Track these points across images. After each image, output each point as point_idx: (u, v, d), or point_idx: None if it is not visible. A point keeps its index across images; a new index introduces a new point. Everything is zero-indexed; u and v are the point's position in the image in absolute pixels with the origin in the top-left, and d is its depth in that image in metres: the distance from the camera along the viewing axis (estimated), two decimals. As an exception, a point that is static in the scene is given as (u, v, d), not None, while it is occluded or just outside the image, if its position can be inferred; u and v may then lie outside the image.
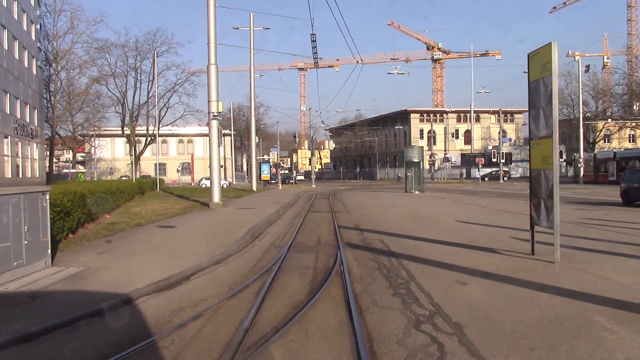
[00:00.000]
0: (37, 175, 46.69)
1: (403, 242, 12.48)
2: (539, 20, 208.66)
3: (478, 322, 5.85)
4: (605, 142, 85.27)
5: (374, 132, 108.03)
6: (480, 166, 72.23)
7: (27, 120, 44.16)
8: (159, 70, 54.19)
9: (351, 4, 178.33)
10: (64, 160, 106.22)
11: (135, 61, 62.81)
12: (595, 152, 63.47)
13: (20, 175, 41.70)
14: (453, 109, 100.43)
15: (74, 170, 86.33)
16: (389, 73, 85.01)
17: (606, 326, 5.58)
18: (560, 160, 73.41)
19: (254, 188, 45.27)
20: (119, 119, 65.21)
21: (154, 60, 56.45)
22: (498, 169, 68.08)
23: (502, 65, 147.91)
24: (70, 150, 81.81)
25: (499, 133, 76.41)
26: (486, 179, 73.85)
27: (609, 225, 14.91)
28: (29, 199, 8.78)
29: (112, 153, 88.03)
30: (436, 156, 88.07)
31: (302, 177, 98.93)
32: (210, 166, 25.27)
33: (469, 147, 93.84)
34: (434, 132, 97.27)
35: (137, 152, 63.80)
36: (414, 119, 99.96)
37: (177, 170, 79.42)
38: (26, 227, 8.61)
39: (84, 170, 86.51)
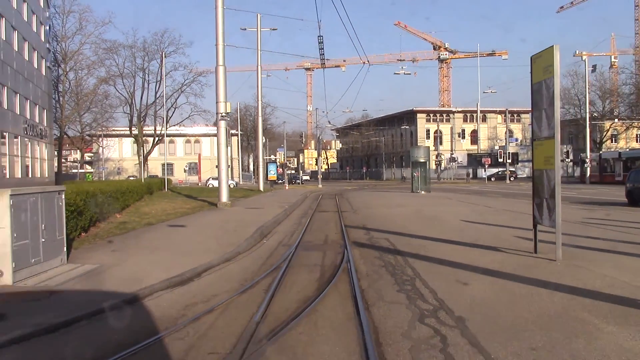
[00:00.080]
0: (46, 175, 47.12)
1: (409, 240, 12.72)
2: (545, 20, 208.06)
3: (480, 316, 6.09)
4: (612, 142, 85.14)
5: (380, 132, 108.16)
6: (486, 166, 72.26)
7: (37, 120, 44.59)
8: (166, 71, 54.60)
9: (357, 4, 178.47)
10: (72, 160, 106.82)
11: (143, 62, 63.35)
12: (600, 152, 63.36)
13: (30, 175, 42.13)
14: (459, 109, 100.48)
15: (82, 170, 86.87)
16: (395, 73, 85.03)
17: (602, 320, 5.82)
18: (567, 160, 73.71)
19: (261, 188, 45.55)
20: (127, 119, 65.72)
21: (161, 61, 56.87)
22: (504, 169, 68.14)
23: (508, 65, 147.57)
24: (78, 151, 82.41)
25: (506, 133, 76.49)
26: (492, 179, 73.87)
27: (612, 225, 15.09)
28: (45, 198, 9.07)
29: (119, 153, 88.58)
30: (442, 156, 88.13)
31: (307, 177, 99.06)
32: (218, 166, 25.56)
33: (475, 147, 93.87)
34: (441, 132, 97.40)
35: (145, 152, 64.20)
36: (421, 118, 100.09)
37: (184, 170, 79.82)
38: (43, 225, 8.91)
39: (92, 170, 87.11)
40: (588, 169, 56.83)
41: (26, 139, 41.27)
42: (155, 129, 64.86)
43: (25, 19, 42.24)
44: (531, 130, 10.55)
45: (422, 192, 38.69)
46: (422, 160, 40.98)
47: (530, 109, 10.56)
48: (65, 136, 59.15)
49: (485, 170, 72.86)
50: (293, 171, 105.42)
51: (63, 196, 9.79)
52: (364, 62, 46.90)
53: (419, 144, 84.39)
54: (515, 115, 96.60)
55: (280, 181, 66.89)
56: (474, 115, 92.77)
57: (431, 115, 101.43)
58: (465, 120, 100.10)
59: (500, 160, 66.77)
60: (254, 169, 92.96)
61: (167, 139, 58.54)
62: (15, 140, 38.71)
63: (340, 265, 9.77)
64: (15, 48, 39.05)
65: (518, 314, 6.19)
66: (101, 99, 61.58)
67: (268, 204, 27.03)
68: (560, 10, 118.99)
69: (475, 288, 7.58)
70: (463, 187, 51.93)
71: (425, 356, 4.88)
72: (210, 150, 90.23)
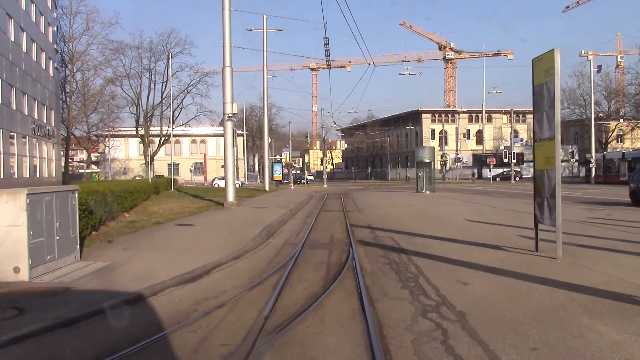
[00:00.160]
0: (54, 175, 47.54)
1: (413, 239, 12.95)
2: (551, 20, 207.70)
3: (480, 311, 6.33)
4: (618, 142, 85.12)
5: (385, 132, 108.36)
6: (491, 166, 72.38)
7: (45, 120, 45.02)
8: (172, 71, 55.06)
9: (361, 4, 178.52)
10: (78, 160, 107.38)
11: (150, 62, 63.92)
12: (604, 152, 63.37)
13: (38, 175, 42.53)
14: (465, 109, 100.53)
15: (89, 170, 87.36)
16: (400, 74, 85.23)
17: (597, 315, 6.05)
18: (572, 160, 73.61)
19: (267, 188, 45.81)
20: (134, 119, 66.18)
21: (168, 61, 57.30)
22: (509, 169, 68.24)
23: (514, 65, 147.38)
24: (85, 151, 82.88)
25: (511, 133, 76.57)
26: (498, 179, 74.00)
27: (613, 225, 15.29)
28: (60, 197, 9.36)
29: (125, 153, 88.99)
30: (448, 156, 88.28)
31: (311, 178, 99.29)
32: (224, 166, 25.81)
33: (480, 147, 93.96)
34: (446, 132, 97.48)
35: (151, 152, 64.62)
36: (426, 119, 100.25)
37: (190, 170, 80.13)
38: (58, 223, 9.19)
39: (98, 171, 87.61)
40: (593, 169, 56.89)
41: (34, 139, 41.68)
42: (161, 129, 65.32)
43: (34, 20, 42.67)
44: (533, 131, 10.77)
45: (427, 192, 38.89)
46: (427, 160, 41.16)
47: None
48: (72, 136, 59.62)
49: (490, 171, 72.97)
50: (298, 171, 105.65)
51: (76, 195, 10.08)
52: (369, 63, 47.06)
53: (424, 144, 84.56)
54: (520, 115, 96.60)
55: (285, 181, 67.18)
56: (479, 115, 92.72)
57: (436, 115, 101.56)
58: (470, 120, 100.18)
59: (506, 160, 66.86)
60: (259, 169, 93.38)
61: (173, 139, 58.96)
62: (23, 140, 39.12)
63: (346, 263, 10.02)
64: (24, 49, 39.46)
65: (517, 309, 6.43)
66: (108, 100, 62.21)
67: (274, 203, 27.28)
68: (566, 10, 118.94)
69: (477, 285, 7.81)
70: (468, 187, 52.08)
71: (427, 348, 5.12)
72: (216, 150, 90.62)
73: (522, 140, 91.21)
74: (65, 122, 55.12)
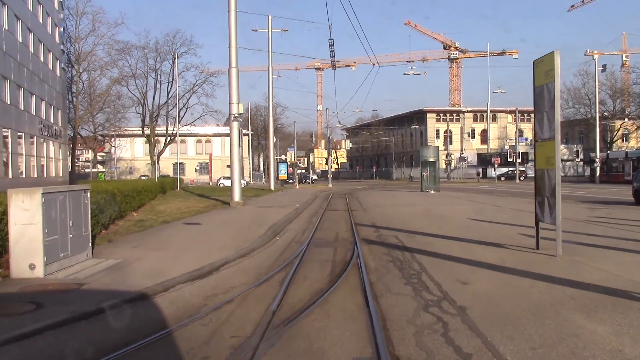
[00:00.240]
0: (60, 175, 47.87)
1: (416, 238, 13.20)
2: (556, 19, 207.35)
3: (480, 306, 6.57)
4: (623, 141, 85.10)
5: (390, 131, 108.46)
6: (496, 166, 72.50)
7: (52, 120, 45.35)
8: (178, 72, 55.39)
9: (362, 4, 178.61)
10: (84, 160, 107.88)
11: (155, 62, 64.35)
12: (608, 152, 63.38)
13: (45, 175, 42.87)
14: (469, 109, 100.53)
15: (95, 170, 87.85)
16: (405, 74, 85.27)
17: (592, 309, 6.29)
18: (577, 159, 73.59)
19: (272, 187, 46.07)
20: (139, 119, 66.62)
21: (173, 62, 57.70)
22: (514, 168, 68.34)
23: (519, 65, 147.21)
24: (91, 150, 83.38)
25: (516, 132, 76.61)
26: (502, 178, 74.08)
27: (615, 223, 15.50)
28: (73, 196, 9.64)
29: (131, 153, 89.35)
30: (452, 156, 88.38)
31: (315, 177, 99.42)
32: (231, 166, 26.06)
33: (485, 146, 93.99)
34: (451, 132, 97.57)
35: (157, 152, 65.01)
36: (430, 118, 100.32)
37: (195, 170, 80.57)
38: (71, 222, 9.47)
39: (104, 170, 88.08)
40: (598, 169, 56.95)
41: (41, 139, 42.01)
42: (167, 129, 65.71)
43: (41, 21, 42.99)
44: (534, 131, 10.99)
45: (432, 191, 39.07)
46: (431, 159, 41.35)
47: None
48: (78, 136, 60.04)
49: (495, 170, 73.08)
50: (303, 171, 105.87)
51: (88, 194, 10.36)
52: (373, 64, 47.29)
53: (428, 144, 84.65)
54: (525, 114, 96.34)
55: (290, 180, 67.44)
56: (484, 114, 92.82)
57: (441, 115, 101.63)
58: (475, 119, 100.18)
59: (510, 159, 67.03)
60: (264, 169, 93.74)
61: (178, 139, 59.33)
62: (31, 140, 39.45)
63: (351, 260, 10.27)
64: (31, 50, 39.78)
65: (516, 304, 6.68)
66: (114, 100, 62.61)
67: (279, 203, 27.55)
68: (571, 9, 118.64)
69: (478, 281, 8.05)
70: (472, 187, 52.25)
71: (428, 339, 5.36)
72: (221, 150, 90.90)
73: (526, 139, 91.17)
74: (72, 122, 55.51)
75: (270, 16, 44.12)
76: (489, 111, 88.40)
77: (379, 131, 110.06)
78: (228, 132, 25.82)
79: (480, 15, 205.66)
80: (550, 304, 6.58)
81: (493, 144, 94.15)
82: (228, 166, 69.76)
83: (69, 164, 55.50)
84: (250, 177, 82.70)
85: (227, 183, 57.29)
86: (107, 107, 62.06)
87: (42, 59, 42.78)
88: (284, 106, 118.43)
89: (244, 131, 72.31)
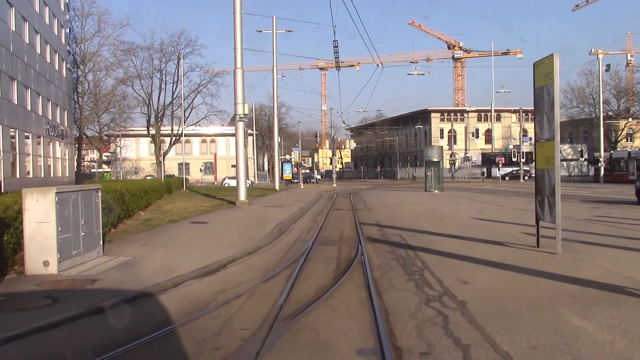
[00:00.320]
0: (67, 175, 48.28)
1: (420, 236, 13.44)
2: (559, 19, 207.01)
3: (480, 300, 6.82)
4: (627, 141, 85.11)
5: (394, 131, 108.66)
6: (500, 165, 72.61)
7: (58, 121, 45.74)
8: (183, 72, 55.72)
9: (362, 4, 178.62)
10: (89, 159, 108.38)
11: (160, 63, 64.65)
12: (611, 151, 63.42)
13: (52, 175, 43.24)
14: (473, 109, 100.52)
15: (101, 170, 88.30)
16: (408, 74, 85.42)
17: (587, 303, 6.54)
18: (581, 159, 73.61)
19: (277, 187, 46.31)
20: (144, 119, 66.99)
21: (178, 62, 58.03)
22: (518, 168, 68.43)
23: (523, 64, 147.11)
24: (96, 150, 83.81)
25: (520, 132, 76.71)
26: (507, 178, 74.19)
27: (616, 222, 15.71)
28: (84, 195, 9.92)
29: (136, 153, 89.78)
30: (457, 155, 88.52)
31: (319, 177, 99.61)
32: (236, 166, 26.30)
33: (489, 146, 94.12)
34: (455, 132, 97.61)
35: (162, 152, 65.37)
36: (435, 118, 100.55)
37: (200, 170, 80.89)
38: (83, 220, 9.75)
39: (109, 170, 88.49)
40: (602, 168, 57.02)
41: (48, 140, 42.40)
42: (172, 129, 66.06)
43: (47, 22, 43.36)
44: (534, 132, 11.22)
45: (436, 191, 39.25)
46: (435, 159, 41.54)
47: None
48: (84, 136, 60.40)
49: (499, 170, 73.19)
50: (308, 170, 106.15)
51: (99, 194, 10.64)
52: (377, 65, 47.51)
53: (432, 144, 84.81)
54: (529, 114, 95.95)
55: (295, 180, 67.69)
56: (488, 114, 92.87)
57: (445, 114, 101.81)
58: (479, 119, 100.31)
59: (514, 159, 67.08)
60: (268, 168, 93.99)
61: (183, 139, 59.70)
62: (38, 140, 39.83)
63: (355, 258, 10.52)
64: (38, 51, 40.16)
65: (514, 298, 6.92)
66: (119, 100, 62.91)
67: (284, 202, 27.82)
68: (575, 9, 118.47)
69: (479, 277, 8.30)
70: (477, 186, 52.42)
71: (429, 332, 5.61)
72: (226, 150, 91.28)
73: (531, 139, 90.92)
74: (78, 122, 55.87)
75: (275, 17, 44.50)
76: (493, 111, 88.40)
77: (383, 131, 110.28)
78: (233, 132, 26.11)
79: (480, 15, 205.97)
80: (548, 298, 6.83)
81: (497, 144, 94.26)
82: (233, 166, 70.12)
83: (75, 164, 55.87)
84: (255, 177, 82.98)
85: (232, 183, 57.58)
86: (112, 107, 62.43)
87: (48, 59, 43.16)
88: (288, 106, 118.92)
89: (248, 131, 72.67)
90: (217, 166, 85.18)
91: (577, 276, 8.01)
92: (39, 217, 8.74)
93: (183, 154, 53.59)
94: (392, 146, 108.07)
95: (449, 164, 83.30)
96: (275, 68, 46.90)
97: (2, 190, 25.61)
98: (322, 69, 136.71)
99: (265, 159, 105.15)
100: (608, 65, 67.46)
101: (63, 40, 49.42)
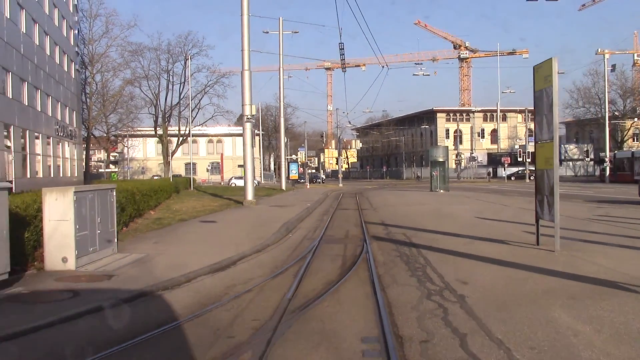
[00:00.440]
0: (75, 175, 48.82)
1: (424, 235, 13.79)
2: (561, 19, 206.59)
3: (478, 294, 7.18)
4: (634, 140, 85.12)
5: (400, 131, 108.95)
6: (506, 165, 72.81)
7: (67, 121, 46.29)
8: (190, 73, 56.18)
9: (364, 4, 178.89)
10: (96, 160, 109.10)
11: (168, 64, 65.19)
12: (615, 151, 63.50)
13: (61, 175, 43.78)
14: (479, 109, 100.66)
15: (108, 170, 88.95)
16: (414, 74, 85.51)
17: (581, 296, 6.90)
18: (587, 159, 73.65)
19: (283, 187, 46.68)
20: (152, 119, 67.53)
21: (185, 63, 58.55)
22: (524, 168, 68.58)
23: (529, 64, 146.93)
24: (103, 150, 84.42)
25: (526, 132, 76.84)
26: (512, 178, 74.37)
27: (617, 222, 16.01)
28: (100, 195, 10.34)
29: (143, 153, 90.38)
30: (462, 155, 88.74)
31: (324, 177, 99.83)
32: (244, 166, 26.70)
33: (495, 146, 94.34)
34: (460, 132, 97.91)
35: (170, 152, 65.91)
36: (440, 118, 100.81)
37: (207, 170, 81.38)
38: (99, 218, 10.16)
39: (116, 170, 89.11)
40: (607, 168, 57.13)
41: (57, 140, 42.92)
42: (179, 130, 66.59)
43: (56, 24, 43.90)
44: (534, 133, 11.55)
45: (441, 190, 39.55)
46: (440, 159, 41.84)
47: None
48: (91, 136, 60.97)
49: (505, 170, 73.40)
50: (314, 170, 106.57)
51: (114, 193, 11.07)
52: (382, 66, 47.84)
53: (438, 144, 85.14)
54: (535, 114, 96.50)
55: (301, 180, 68.09)
56: (494, 114, 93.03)
57: (451, 114, 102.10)
58: (485, 119, 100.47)
59: (520, 159, 67.27)
60: (275, 168, 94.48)
61: (190, 139, 60.21)
62: (47, 140, 40.36)
63: (360, 255, 10.89)
64: (48, 52, 40.68)
65: (511, 293, 7.30)
66: (127, 100, 63.47)
67: (291, 202, 28.22)
68: (582, 8, 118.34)
69: (479, 273, 8.65)
70: (482, 186, 52.68)
71: (429, 322, 5.98)
72: (232, 150, 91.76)
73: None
74: (86, 122, 56.42)
75: (281, 18, 44.88)
76: (498, 111, 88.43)
77: (389, 131, 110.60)
78: (239, 132, 26.59)
79: (482, 15, 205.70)
80: (543, 293, 7.18)
81: (503, 144, 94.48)
82: (240, 166, 70.60)
83: (84, 164, 56.43)
84: (261, 176, 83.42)
85: (239, 183, 58.09)
86: (120, 108, 63.00)
87: (57, 61, 43.70)
88: (294, 106, 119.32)
89: (255, 131, 73.07)
90: (223, 166, 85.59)
91: (573, 272, 8.35)
92: (58, 215, 9.14)
93: (190, 154, 54.09)
94: (398, 146, 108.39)
95: (455, 164, 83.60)
96: (281, 69, 47.33)
97: (14, 190, 26.09)
98: (328, 69, 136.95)
99: (272, 159, 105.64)
100: (613, 66, 67.57)
101: (72, 42, 49.99)
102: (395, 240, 13.14)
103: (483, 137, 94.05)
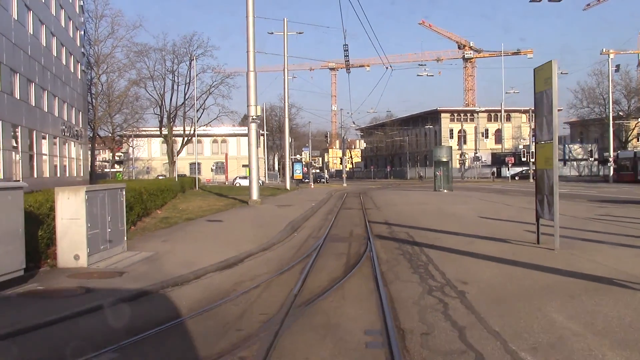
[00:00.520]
0: (81, 174, 49.20)
1: (426, 234, 14.03)
2: (569, 18, 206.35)
3: (478, 290, 7.43)
4: (638, 140, 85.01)
5: (404, 131, 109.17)
6: (510, 165, 72.92)
7: (73, 122, 46.67)
8: (195, 73, 56.54)
9: (376, 4, 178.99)
10: (101, 159, 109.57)
11: (173, 64, 65.58)
12: (618, 151, 63.54)
13: (67, 175, 44.14)
14: (483, 109, 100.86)
15: (114, 170, 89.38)
16: (418, 75, 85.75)
17: (577, 292, 7.15)
18: (591, 159, 73.68)
19: (288, 187, 46.90)
20: (157, 120, 67.95)
21: (190, 64, 58.90)
22: (528, 168, 68.66)
23: (535, 65, 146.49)
24: (108, 150, 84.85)
25: (530, 132, 76.90)
26: (516, 177, 74.44)
27: (617, 221, 16.22)
28: (110, 194, 10.61)
29: (148, 153, 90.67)
30: (466, 155, 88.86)
31: (327, 177, 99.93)
32: (249, 166, 26.98)
33: (499, 146, 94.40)
34: (465, 132, 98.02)
35: (175, 152, 66.28)
36: (445, 118, 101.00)
37: (211, 170, 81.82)
38: (109, 217, 10.44)
39: (121, 170, 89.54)
40: (611, 168, 57.22)
41: (63, 140, 43.30)
42: (184, 130, 66.97)
43: (63, 25, 44.27)
44: (534, 134, 11.78)
45: (445, 190, 39.77)
46: (444, 159, 42.08)
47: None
48: (97, 136, 61.35)
49: (509, 170, 73.51)
50: (318, 170, 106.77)
51: (124, 192, 11.35)
52: (386, 67, 48.08)
53: (442, 144, 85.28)
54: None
55: (305, 180, 68.35)
56: (498, 114, 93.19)
57: (455, 115, 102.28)
58: (489, 119, 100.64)
59: (524, 159, 67.37)
60: (279, 168, 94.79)
61: (195, 139, 60.57)
62: (54, 141, 40.73)
63: (364, 253, 11.14)
64: (54, 53, 41.06)
65: (510, 288, 7.55)
66: (132, 101, 63.86)
67: (295, 201, 28.47)
68: (586, 8, 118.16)
69: (479, 270, 8.90)
70: (486, 186, 52.84)
71: (429, 316, 6.23)
72: (237, 150, 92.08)
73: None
74: (91, 122, 56.80)
75: (285, 19, 45.10)
76: (503, 111, 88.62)
77: (393, 131, 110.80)
78: (243, 132, 26.90)
79: (480, 15, 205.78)
80: (541, 289, 7.43)
81: (507, 144, 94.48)
82: (244, 166, 71.01)
83: (89, 164, 56.81)
84: (265, 176, 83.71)
85: (243, 182, 58.42)
86: (125, 108, 63.39)
87: (64, 62, 44.07)
88: (298, 106, 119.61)
89: (260, 132, 73.37)
90: (228, 166, 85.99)
91: (571, 270, 8.59)
92: (70, 214, 9.41)
93: (195, 154, 54.38)
94: (402, 146, 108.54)
95: (459, 163, 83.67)
96: (286, 70, 47.53)
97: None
98: (332, 69, 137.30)
99: (276, 159, 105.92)
100: (618, 66, 67.69)
101: (78, 43, 50.38)
102: (399, 239, 13.39)
103: (487, 137, 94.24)
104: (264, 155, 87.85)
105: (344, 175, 68.77)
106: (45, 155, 38.45)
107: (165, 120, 67.79)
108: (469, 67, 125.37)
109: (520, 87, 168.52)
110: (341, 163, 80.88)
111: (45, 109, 38.50)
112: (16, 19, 31.47)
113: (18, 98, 31.80)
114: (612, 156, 57.87)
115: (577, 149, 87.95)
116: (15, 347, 5.52)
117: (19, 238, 7.99)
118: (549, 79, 10.59)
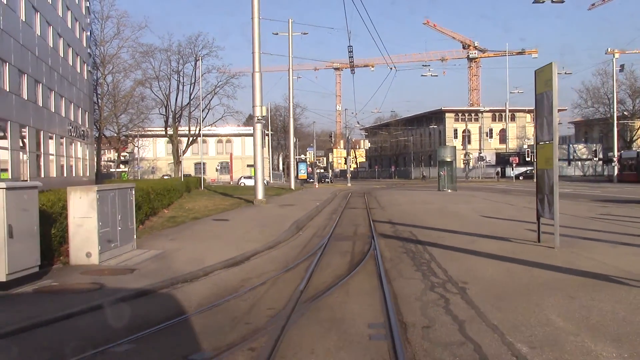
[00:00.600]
0: (87, 174, 49.53)
1: (430, 233, 14.27)
2: (573, 17, 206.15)
3: (479, 286, 7.66)
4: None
5: (408, 131, 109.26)
6: (514, 165, 73.01)
7: (79, 122, 47.02)
8: (200, 73, 56.87)
9: (377, 4, 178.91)
10: (106, 159, 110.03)
11: (178, 65, 65.95)
12: (621, 151, 63.56)
13: (74, 174, 44.48)
14: (487, 109, 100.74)
15: (119, 170, 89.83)
16: (422, 75, 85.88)
17: (574, 288, 7.37)
18: (595, 159, 73.69)
19: (292, 186, 47.13)
20: (162, 120, 68.35)
21: (195, 64, 59.24)
22: (532, 167, 68.70)
23: (539, 64, 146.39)
24: (113, 150, 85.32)
25: (534, 132, 76.87)
26: (521, 177, 74.54)
27: (618, 220, 16.42)
28: (120, 193, 10.88)
29: (153, 153, 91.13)
30: (470, 155, 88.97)
31: (331, 176, 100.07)
32: (254, 166, 27.24)
33: (503, 146, 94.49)
34: (469, 132, 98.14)
35: (180, 152, 66.66)
36: (449, 118, 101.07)
37: (216, 170, 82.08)
38: (119, 216, 10.70)
39: (126, 170, 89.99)
40: (615, 168, 57.26)
41: (70, 140, 43.64)
42: (189, 130, 67.33)
43: (69, 26, 44.61)
44: (535, 134, 12.00)
45: (449, 190, 39.92)
46: (448, 159, 42.24)
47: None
48: (102, 136, 61.77)
49: (513, 169, 73.60)
50: (322, 170, 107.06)
51: (133, 192, 11.62)
52: (391, 68, 48.28)
53: (447, 143, 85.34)
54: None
55: (310, 180, 68.62)
56: (503, 114, 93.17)
57: (459, 114, 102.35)
58: (494, 119, 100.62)
59: (528, 159, 67.42)
60: (283, 168, 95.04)
61: (201, 139, 60.90)
62: (61, 141, 41.07)
63: (368, 252, 11.38)
64: (61, 54, 41.39)
65: (509, 285, 7.78)
66: (137, 101, 64.30)
67: (300, 201, 28.72)
68: (591, 8, 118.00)
69: (480, 268, 9.13)
70: (490, 186, 53.01)
71: (431, 311, 6.47)
72: (242, 150, 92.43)
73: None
74: (97, 123, 57.18)
75: (290, 20, 45.40)
76: (507, 111, 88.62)
77: (397, 131, 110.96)
78: (248, 132, 27.15)
79: (477, 15, 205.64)
80: (539, 285, 7.66)
81: (511, 144, 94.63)
82: (249, 165, 71.18)
83: (95, 164, 57.19)
84: (270, 176, 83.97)
85: (248, 182, 58.68)
86: (130, 109, 63.87)
87: (70, 62, 44.41)
88: (303, 107, 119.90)
89: (264, 132, 73.58)
90: (233, 166, 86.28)
91: (570, 267, 8.81)
92: (82, 212, 9.68)
93: (200, 154, 54.82)
94: (406, 146, 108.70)
95: (463, 163, 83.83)
96: (291, 70, 47.85)
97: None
98: (336, 69, 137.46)
99: (281, 159, 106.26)
100: (622, 66, 67.56)
101: (84, 43, 50.72)
102: (402, 237, 13.63)
103: (491, 137, 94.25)
104: (269, 155, 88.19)
105: (349, 175, 69.05)
106: (52, 155, 38.75)
107: (170, 120, 68.24)
108: (473, 66, 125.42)
109: (525, 87, 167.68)
110: (345, 163, 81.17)
111: (52, 110, 38.81)
112: (24, 20, 31.78)
113: (26, 99, 32.11)
114: (616, 156, 57.89)
115: (581, 149, 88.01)
116: (35, 339, 5.78)
117: (33, 236, 8.26)
118: (549, 81, 10.81)
